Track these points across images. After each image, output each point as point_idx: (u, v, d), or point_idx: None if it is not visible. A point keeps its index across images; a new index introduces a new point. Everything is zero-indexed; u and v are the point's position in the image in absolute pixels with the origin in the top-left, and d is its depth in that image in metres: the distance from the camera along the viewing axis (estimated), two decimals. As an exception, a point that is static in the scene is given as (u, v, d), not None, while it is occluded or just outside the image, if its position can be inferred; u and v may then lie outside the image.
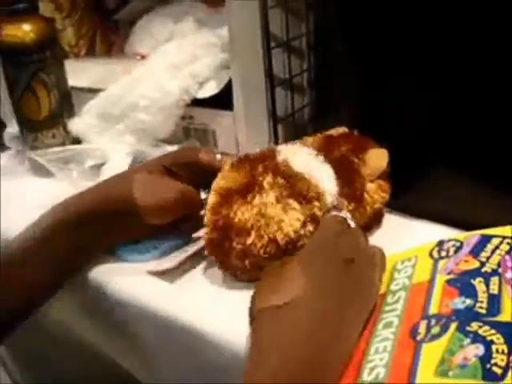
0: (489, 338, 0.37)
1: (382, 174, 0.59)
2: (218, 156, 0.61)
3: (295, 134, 0.74)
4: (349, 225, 0.51)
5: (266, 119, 0.72)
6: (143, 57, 0.90)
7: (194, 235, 0.60)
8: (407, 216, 0.62)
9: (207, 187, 0.59)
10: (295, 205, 0.52)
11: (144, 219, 0.58)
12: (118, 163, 0.74)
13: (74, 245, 0.57)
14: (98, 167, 0.76)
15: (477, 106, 0.57)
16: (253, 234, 0.51)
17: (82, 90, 0.85)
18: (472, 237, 0.48)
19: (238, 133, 0.71)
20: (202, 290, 0.56)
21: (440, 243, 0.50)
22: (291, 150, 0.57)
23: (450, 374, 0.36)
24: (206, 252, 0.55)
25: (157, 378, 0.61)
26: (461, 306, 0.41)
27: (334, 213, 0.52)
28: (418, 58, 0.60)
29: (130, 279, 0.58)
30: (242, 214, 0.51)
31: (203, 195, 0.61)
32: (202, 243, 0.58)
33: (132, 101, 0.75)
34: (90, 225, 0.57)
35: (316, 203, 0.52)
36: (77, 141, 0.81)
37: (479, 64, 0.56)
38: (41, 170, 0.79)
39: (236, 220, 0.52)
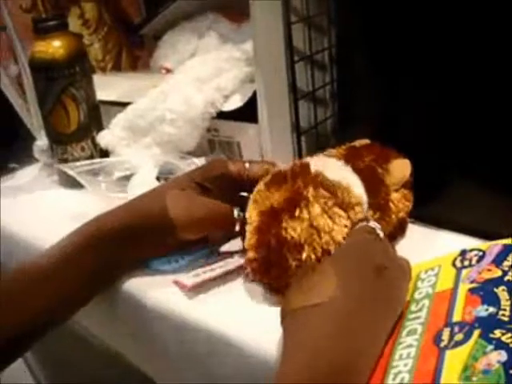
0: (511, 345, 0.38)
1: (405, 184, 0.60)
2: (247, 165, 0.62)
3: (318, 145, 0.76)
4: (378, 234, 0.52)
5: (290, 131, 0.74)
6: (168, 71, 0.92)
7: (222, 249, 0.62)
8: (430, 226, 0.63)
9: (239, 199, 0.60)
10: (341, 213, 0.53)
11: (178, 235, 0.59)
12: (145, 175, 0.76)
13: (106, 260, 0.58)
14: (126, 179, 0.77)
15: (499, 117, 0.58)
16: (306, 248, 0.51)
17: (109, 103, 0.87)
18: (494, 246, 0.49)
19: (263, 145, 0.73)
20: (229, 298, 0.57)
21: (463, 252, 0.51)
22: (320, 162, 0.58)
23: (474, 379, 0.37)
24: (251, 276, 0.56)
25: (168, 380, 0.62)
26: (484, 314, 0.42)
27: (364, 223, 0.53)
28: (439, 70, 0.61)
29: (160, 290, 0.59)
30: (294, 229, 0.52)
31: (236, 213, 0.61)
32: (231, 265, 0.59)
33: (159, 114, 0.76)
34: (123, 240, 0.58)
35: (358, 208, 0.54)
36: (105, 153, 0.83)
37: (501, 76, 0.57)
38: (70, 183, 0.81)
39: (288, 237, 0.52)
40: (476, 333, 0.40)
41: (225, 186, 0.62)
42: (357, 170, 0.58)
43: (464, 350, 0.40)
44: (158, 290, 0.59)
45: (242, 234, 0.59)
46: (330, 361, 0.41)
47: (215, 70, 0.78)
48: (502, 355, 0.38)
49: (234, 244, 0.63)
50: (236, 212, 0.61)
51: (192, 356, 0.57)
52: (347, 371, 0.42)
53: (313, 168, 0.56)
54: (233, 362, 0.52)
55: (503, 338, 0.39)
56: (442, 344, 0.41)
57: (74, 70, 0.80)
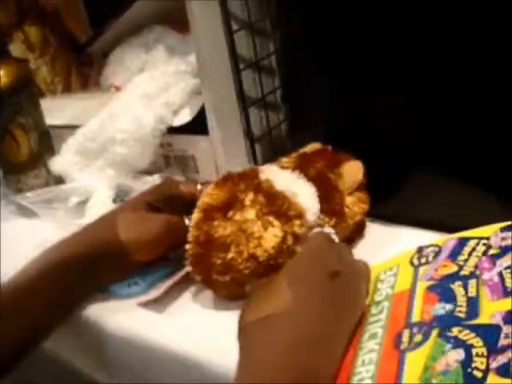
0: (469, 342, 0.38)
1: (359, 186, 0.60)
2: (199, 186, 0.62)
3: (273, 151, 0.75)
4: (333, 240, 0.52)
5: (243, 140, 0.73)
6: (118, 88, 0.91)
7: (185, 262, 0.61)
8: (388, 223, 0.63)
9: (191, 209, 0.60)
10: (275, 222, 0.53)
11: (133, 257, 0.58)
12: (101, 198, 0.75)
13: (65, 289, 0.58)
14: (83, 204, 0.76)
15: (449, 113, 0.58)
16: (233, 249, 0.52)
17: (61, 127, 0.86)
18: (450, 240, 0.49)
19: (217, 156, 0.72)
20: (191, 317, 0.56)
21: (419, 250, 0.50)
22: (273, 170, 0.58)
23: (434, 381, 0.37)
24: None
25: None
26: (441, 312, 0.42)
27: (317, 229, 0.53)
28: (387, 67, 0.61)
29: (121, 314, 0.59)
30: (224, 229, 0.53)
31: (187, 222, 0.60)
32: (186, 269, 0.58)
33: (109, 135, 0.75)
34: (79, 269, 0.58)
35: (296, 221, 0.53)
36: (60, 179, 0.81)
37: (454, 68, 0.57)
38: (26, 212, 0.79)
39: (216, 235, 0.53)
40: (434, 332, 0.40)
41: (176, 205, 0.62)
42: (309, 178, 0.57)
43: (423, 352, 0.39)
44: (118, 315, 0.59)
45: None
46: (288, 372, 0.41)
47: (163, 85, 0.77)
48: (460, 354, 0.37)
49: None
50: (187, 221, 0.60)
51: (156, 377, 0.56)
52: (307, 378, 0.41)
53: (264, 175, 0.56)
54: (197, 381, 0.52)
55: (460, 336, 0.39)
56: (402, 346, 0.41)
57: (20, 97, 0.79)
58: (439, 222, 0.58)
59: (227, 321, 0.53)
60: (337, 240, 0.52)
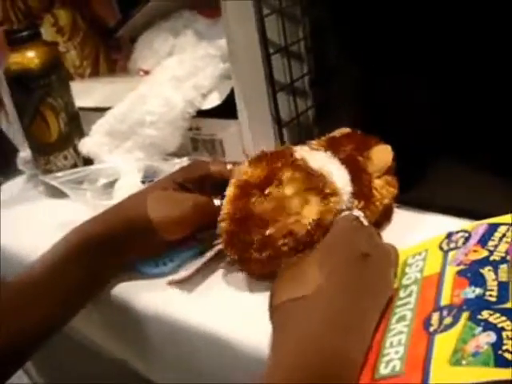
0: (499, 325, 0.38)
1: (388, 170, 0.60)
2: (229, 166, 0.62)
3: (301, 137, 0.75)
4: (362, 223, 0.52)
5: (271, 124, 0.73)
6: (146, 72, 0.92)
7: (215, 242, 0.61)
8: (416, 209, 0.63)
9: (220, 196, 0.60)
10: (313, 198, 0.53)
11: (161, 236, 0.59)
12: (129, 179, 0.75)
13: (93, 267, 0.58)
14: (111, 185, 0.77)
15: (479, 97, 0.57)
16: (272, 225, 0.52)
17: (89, 110, 0.87)
18: (479, 226, 0.49)
19: (244, 140, 0.72)
20: (220, 296, 0.57)
21: (449, 235, 0.51)
22: (306, 150, 0.59)
23: (464, 362, 0.37)
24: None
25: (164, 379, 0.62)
26: (471, 296, 0.42)
27: (347, 212, 0.53)
28: (415, 53, 0.60)
29: (150, 293, 0.60)
30: (262, 205, 0.53)
31: (217, 202, 0.61)
32: (217, 248, 0.59)
33: (139, 117, 0.76)
34: (109, 245, 0.58)
35: (333, 198, 0.54)
36: (89, 161, 0.82)
37: (480, 55, 0.56)
38: (56, 193, 0.80)
39: (255, 211, 0.53)
40: (464, 315, 0.40)
41: (206, 186, 0.62)
42: (338, 160, 0.57)
43: (453, 334, 0.40)
44: (147, 294, 0.59)
45: None
46: (321, 353, 0.41)
47: (192, 69, 0.77)
48: (491, 336, 0.38)
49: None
50: (216, 201, 0.61)
51: (186, 356, 0.57)
52: (338, 362, 0.42)
53: (298, 154, 0.56)
54: (227, 361, 0.52)
55: (491, 319, 0.39)
56: (432, 329, 0.41)
57: (50, 79, 0.80)
58: (467, 209, 0.58)
59: (257, 300, 0.54)
60: (366, 223, 0.52)
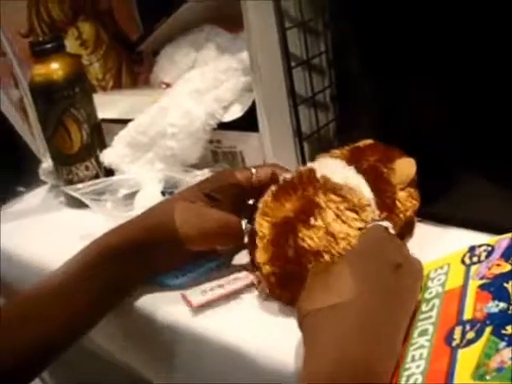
0: None
1: (411, 182, 0.59)
2: (253, 170, 0.62)
3: (321, 150, 0.75)
4: (390, 233, 0.51)
5: (292, 138, 0.73)
6: (168, 85, 0.92)
7: (233, 261, 0.62)
8: (437, 224, 0.62)
9: (248, 208, 0.60)
10: (354, 215, 0.52)
11: (186, 248, 0.59)
12: (150, 191, 0.76)
13: (116, 275, 0.58)
14: (132, 196, 0.77)
15: (502, 111, 0.57)
16: (325, 255, 0.51)
17: (111, 121, 0.88)
18: (503, 240, 0.49)
19: (265, 153, 0.72)
20: (242, 310, 0.57)
21: (471, 249, 0.50)
22: (323, 166, 0.58)
23: (488, 377, 0.36)
24: (268, 293, 0.55)
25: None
26: (495, 310, 0.41)
27: (375, 222, 0.53)
28: (438, 67, 0.60)
29: (170, 305, 0.59)
30: (311, 238, 0.51)
31: (244, 224, 0.61)
32: (239, 282, 0.58)
33: (160, 129, 0.77)
34: (132, 255, 0.58)
35: (369, 209, 0.53)
36: (110, 171, 0.83)
37: (504, 69, 0.56)
38: (77, 203, 0.81)
39: (306, 246, 0.51)
40: (488, 330, 0.40)
41: (233, 195, 0.62)
42: (361, 170, 0.57)
43: (476, 349, 0.39)
44: (168, 305, 0.59)
45: (250, 246, 0.58)
46: (355, 362, 0.41)
47: (213, 82, 0.78)
48: None
49: (245, 255, 0.63)
50: (244, 224, 0.60)
51: (205, 371, 0.57)
52: (371, 372, 0.41)
53: (318, 172, 0.56)
54: (249, 376, 0.52)
55: None
56: (454, 343, 0.41)
57: (74, 90, 0.81)
58: (489, 223, 0.57)
59: (279, 314, 0.54)
60: (394, 233, 0.51)
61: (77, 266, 0.58)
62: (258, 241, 0.54)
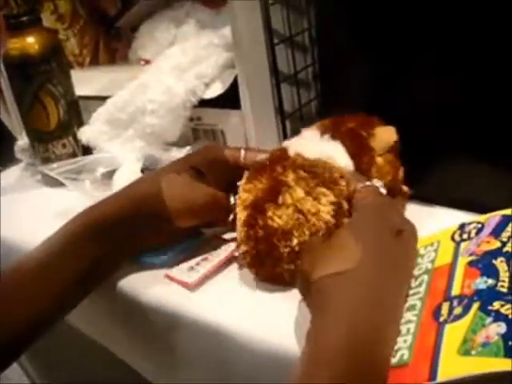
0: (511, 316, 0.37)
1: (390, 149, 0.59)
2: (242, 152, 0.61)
3: (303, 128, 0.75)
4: (388, 196, 0.51)
5: (274, 115, 0.72)
6: (147, 62, 0.91)
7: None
8: (425, 204, 0.62)
9: (234, 187, 0.59)
10: (325, 191, 0.52)
11: (173, 222, 0.57)
12: (129, 169, 0.74)
13: (100, 251, 0.56)
14: (110, 174, 0.76)
15: (491, 88, 0.57)
16: (295, 233, 0.51)
17: (88, 98, 0.86)
18: (493, 218, 0.48)
19: (247, 131, 0.71)
20: (224, 291, 0.56)
21: (461, 226, 0.50)
22: (297, 142, 0.58)
23: (473, 352, 0.36)
24: (246, 266, 0.55)
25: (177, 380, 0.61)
26: (483, 286, 0.41)
27: (367, 183, 0.52)
28: (424, 44, 0.60)
29: (153, 285, 0.58)
30: (280, 217, 0.51)
31: (232, 199, 0.60)
32: (223, 254, 0.58)
33: (139, 105, 0.75)
34: (117, 229, 0.56)
35: (342, 182, 0.53)
36: (88, 149, 0.81)
37: (491, 43, 0.55)
38: (54, 182, 0.79)
39: (276, 225, 0.51)
40: (475, 306, 0.40)
41: (220, 171, 0.60)
42: (340, 135, 0.57)
43: (463, 324, 0.39)
44: (152, 285, 0.58)
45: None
46: (366, 332, 0.40)
47: (195, 58, 0.76)
48: (501, 327, 0.37)
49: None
50: (232, 200, 0.60)
51: (194, 352, 0.56)
52: (380, 342, 0.41)
53: (291, 150, 0.55)
54: (232, 354, 0.51)
55: (502, 310, 0.38)
56: (442, 318, 0.41)
57: (50, 65, 0.79)
58: (478, 203, 0.57)
59: (264, 294, 0.54)
60: (385, 192, 0.51)
61: (58, 242, 0.56)
62: (237, 222, 0.55)
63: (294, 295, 0.49)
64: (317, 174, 0.53)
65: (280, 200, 0.52)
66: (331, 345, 0.40)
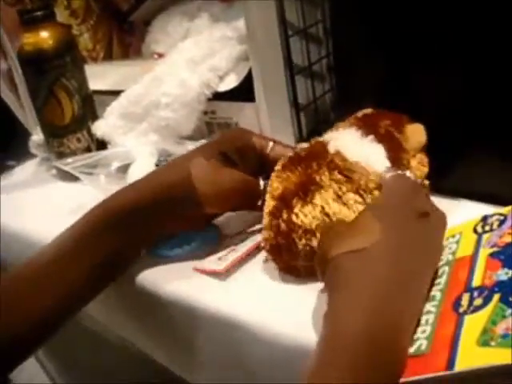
0: None
1: (422, 149, 0.58)
2: (270, 144, 0.60)
3: (318, 121, 0.74)
4: (415, 182, 0.51)
5: (288, 108, 0.72)
6: (160, 56, 0.90)
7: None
8: (448, 197, 0.60)
9: (261, 173, 0.58)
10: (357, 198, 0.51)
11: (203, 207, 0.56)
12: (143, 163, 0.74)
13: (118, 243, 0.56)
14: (125, 169, 0.76)
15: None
16: (317, 234, 0.50)
17: (102, 93, 0.86)
18: None
19: (262, 123, 0.71)
20: (247, 285, 0.55)
21: (484, 218, 0.49)
22: (337, 137, 0.56)
23: (493, 343, 0.36)
24: (267, 257, 0.54)
25: (200, 375, 0.61)
26: (504, 278, 0.41)
27: (398, 171, 0.51)
28: (438, 35, 0.59)
29: (174, 278, 0.58)
30: (305, 215, 0.50)
31: (261, 183, 0.59)
32: (250, 244, 0.58)
33: (154, 99, 0.75)
34: (136, 218, 0.55)
35: (376, 192, 0.51)
36: (102, 144, 0.81)
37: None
38: (68, 176, 0.79)
39: (299, 222, 0.50)
40: (496, 297, 0.39)
41: (247, 157, 0.59)
42: (379, 136, 0.55)
43: (483, 315, 0.38)
44: (169, 279, 0.58)
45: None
46: (391, 298, 0.40)
47: (208, 51, 0.76)
48: None
49: (238, 224, 0.62)
50: (262, 184, 0.59)
51: (216, 346, 0.55)
52: (400, 324, 0.40)
53: (332, 147, 0.54)
54: (260, 348, 0.51)
55: None
56: (461, 309, 0.40)
57: (64, 60, 0.79)
58: (501, 196, 0.56)
59: (286, 288, 0.53)
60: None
61: (73, 236, 0.55)
62: (264, 209, 0.54)
63: (312, 288, 0.49)
64: (352, 179, 0.51)
65: (308, 198, 0.51)
66: (349, 329, 0.39)
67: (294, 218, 0.51)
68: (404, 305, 0.41)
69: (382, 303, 0.40)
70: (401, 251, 0.43)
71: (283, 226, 0.51)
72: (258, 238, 0.58)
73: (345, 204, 0.51)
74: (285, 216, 0.51)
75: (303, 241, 0.50)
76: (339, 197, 0.51)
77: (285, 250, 0.52)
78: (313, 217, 0.50)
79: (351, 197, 0.51)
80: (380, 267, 0.41)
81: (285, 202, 0.52)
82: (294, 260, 0.52)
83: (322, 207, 0.50)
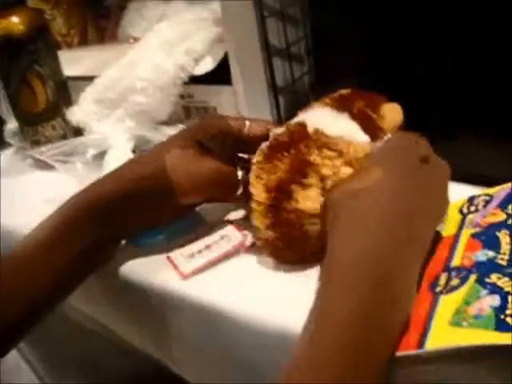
0: (506, 290, 0.37)
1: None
2: (247, 122, 0.58)
3: (297, 103, 0.73)
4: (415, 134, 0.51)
5: (266, 90, 0.71)
6: (136, 40, 0.89)
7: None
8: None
9: (239, 159, 0.58)
10: (351, 170, 0.50)
11: (178, 199, 0.55)
12: (120, 149, 0.73)
13: (98, 233, 0.55)
14: (101, 156, 0.74)
15: (497, 61, 0.55)
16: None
17: (77, 78, 0.84)
18: (502, 190, 0.48)
19: (239, 107, 0.70)
20: (233, 273, 0.54)
21: (470, 199, 0.49)
22: (314, 117, 0.55)
23: (464, 323, 0.36)
24: (271, 255, 0.53)
25: (181, 364, 0.60)
26: (483, 258, 0.40)
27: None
28: (418, 16, 0.58)
29: (156, 267, 0.57)
30: (307, 198, 0.49)
31: (239, 173, 0.58)
32: (231, 242, 0.56)
33: (129, 83, 0.73)
34: (116, 210, 0.54)
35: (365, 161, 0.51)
36: (78, 130, 0.80)
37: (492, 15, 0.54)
38: (44, 165, 0.78)
39: (304, 207, 0.49)
40: (472, 277, 0.39)
41: (225, 143, 0.58)
42: (353, 115, 0.55)
43: (458, 295, 0.38)
44: (150, 268, 0.57)
45: (245, 197, 0.55)
46: (394, 237, 0.41)
47: (183, 33, 0.75)
48: (495, 300, 0.36)
49: (218, 210, 0.61)
50: (240, 174, 0.57)
51: (202, 335, 0.54)
52: (406, 248, 0.41)
53: (310, 127, 0.53)
54: (247, 337, 0.50)
55: (499, 283, 0.37)
56: (438, 289, 0.40)
57: (37, 46, 0.77)
58: (487, 177, 0.55)
59: (273, 277, 0.52)
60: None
61: (54, 226, 0.54)
62: (254, 204, 0.52)
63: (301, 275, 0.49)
64: (342, 152, 0.51)
65: (306, 181, 0.50)
66: (350, 260, 0.40)
67: (296, 204, 0.49)
68: (407, 238, 0.41)
69: (385, 236, 0.40)
70: (403, 189, 0.43)
71: (292, 216, 0.49)
72: (238, 236, 0.57)
73: (342, 179, 0.50)
74: (287, 206, 0.49)
75: (311, 226, 0.49)
76: (335, 173, 0.50)
77: (296, 241, 0.50)
78: (315, 198, 0.49)
79: (346, 170, 0.50)
80: (382, 202, 0.42)
81: (283, 190, 0.50)
82: (305, 247, 0.50)
83: (322, 186, 0.50)
